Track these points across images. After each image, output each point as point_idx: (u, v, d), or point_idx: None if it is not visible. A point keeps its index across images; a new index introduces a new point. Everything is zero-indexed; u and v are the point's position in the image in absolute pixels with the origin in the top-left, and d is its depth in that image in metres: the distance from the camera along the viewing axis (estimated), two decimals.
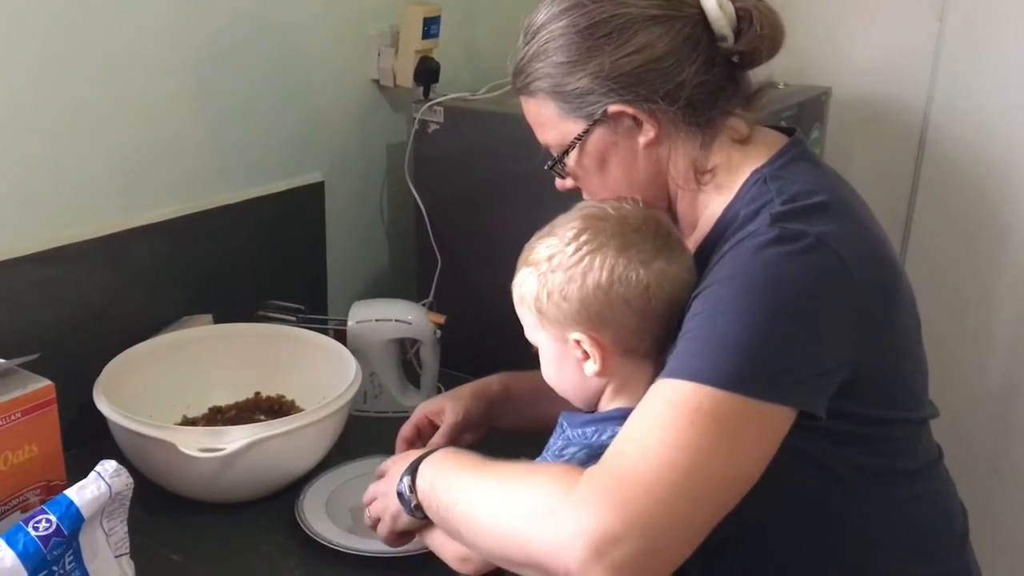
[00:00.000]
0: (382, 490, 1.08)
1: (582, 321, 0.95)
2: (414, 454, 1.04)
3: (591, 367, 0.96)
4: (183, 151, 1.52)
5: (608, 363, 0.96)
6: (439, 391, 1.58)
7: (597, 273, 0.93)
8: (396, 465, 1.07)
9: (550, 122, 1.04)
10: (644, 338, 0.94)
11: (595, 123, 1.01)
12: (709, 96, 0.99)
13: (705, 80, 0.98)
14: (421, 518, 1.01)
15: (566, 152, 1.04)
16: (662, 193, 1.04)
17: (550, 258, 0.96)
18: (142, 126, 1.45)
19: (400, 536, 1.07)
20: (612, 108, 0.99)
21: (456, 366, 1.62)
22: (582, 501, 0.82)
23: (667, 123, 1.00)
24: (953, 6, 2.00)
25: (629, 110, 0.99)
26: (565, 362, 0.99)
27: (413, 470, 1.00)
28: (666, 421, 0.84)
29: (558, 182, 1.10)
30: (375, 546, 1.15)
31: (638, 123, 1.00)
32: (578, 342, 0.96)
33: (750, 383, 0.84)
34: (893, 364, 0.99)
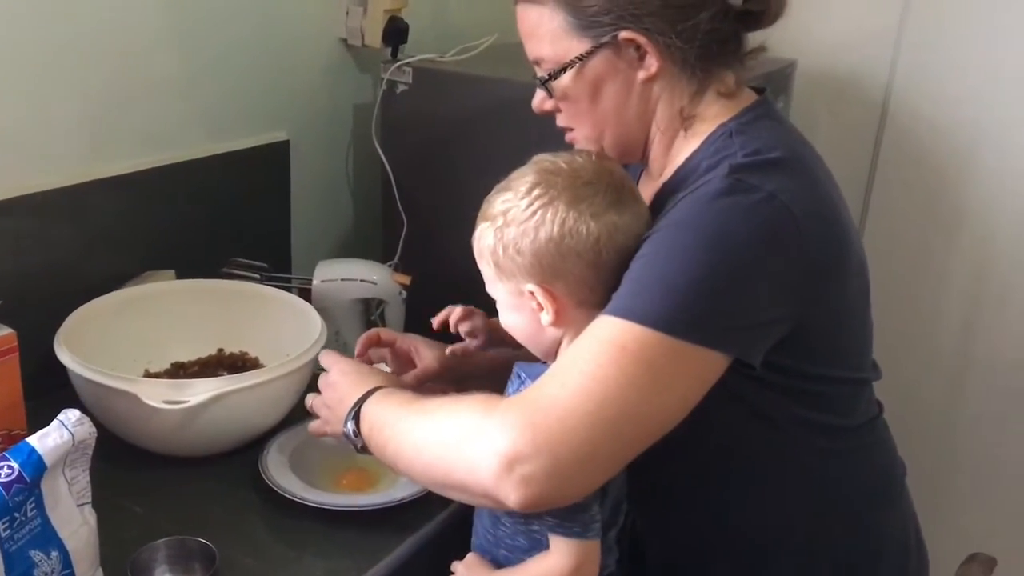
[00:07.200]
0: (323, 402, 1.12)
1: (535, 273, 0.96)
2: (357, 378, 1.08)
3: (546, 318, 0.98)
4: (147, 105, 1.50)
5: (562, 314, 0.97)
6: None
7: (549, 227, 0.94)
8: (341, 384, 1.09)
9: (551, 35, 1.02)
10: (597, 289, 0.95)
11: (600, 46, 1.01)
12: (716, 45, 1.01)
13: (716, 29, 1.00)
14: (369, 455, 1.05)
15: (563, 69, 1.03)
16: (642, 134, 1.05)
17: (505, 212, 0.97)
18: (106, 79, 1.43)
19: None
20: (624, 34, 0.99)
21: (421, 327, 1.62)
22: (498, 423, 0.88)
23: (670, 62, 1.01)
24: None
25: (641, 39, 0.99)
26: (522, 314, 1.01)
27: (356, 414, 1.03)
28: (590, 355, 0.88)
29: (537, 100, 1.09)
30: (338, 500, 1.16)
31: (641, 56, 1.00)
32: (532, 294, 0.97)
33: (679, 325, 0.86)
34: (835, 323, 1.00)
